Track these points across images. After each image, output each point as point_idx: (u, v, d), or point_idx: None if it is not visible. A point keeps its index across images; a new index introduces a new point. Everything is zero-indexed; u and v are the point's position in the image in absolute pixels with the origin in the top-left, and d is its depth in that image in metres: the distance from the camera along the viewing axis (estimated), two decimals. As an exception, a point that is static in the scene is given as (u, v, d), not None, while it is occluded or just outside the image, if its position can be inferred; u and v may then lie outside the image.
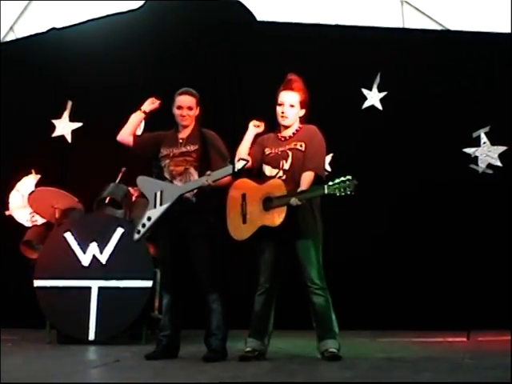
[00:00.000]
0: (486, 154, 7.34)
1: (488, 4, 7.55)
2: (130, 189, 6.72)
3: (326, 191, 4.84)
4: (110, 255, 6.31)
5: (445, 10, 7.77)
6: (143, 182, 5.44)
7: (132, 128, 5.51)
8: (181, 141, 5.36)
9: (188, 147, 5.31)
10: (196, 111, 5.40)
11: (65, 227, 6.48)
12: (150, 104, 5.55)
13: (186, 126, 5.39)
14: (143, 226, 5.26)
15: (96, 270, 6.29)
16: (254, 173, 5.25)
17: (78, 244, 6.37)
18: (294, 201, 4.89)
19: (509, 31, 7.42)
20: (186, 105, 5.36)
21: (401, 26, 7.90)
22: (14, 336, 6.71)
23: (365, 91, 7.62)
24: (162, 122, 5.56)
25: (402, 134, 7.52)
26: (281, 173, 5.12)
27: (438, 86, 7.49)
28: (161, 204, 5.21)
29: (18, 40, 8.58)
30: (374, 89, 7.60)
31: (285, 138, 5.24)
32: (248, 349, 5.13)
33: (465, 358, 5.12)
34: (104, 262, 6.32)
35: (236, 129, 6.60)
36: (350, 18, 7.78)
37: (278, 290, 5.18)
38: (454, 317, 6.98)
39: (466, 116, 7.38)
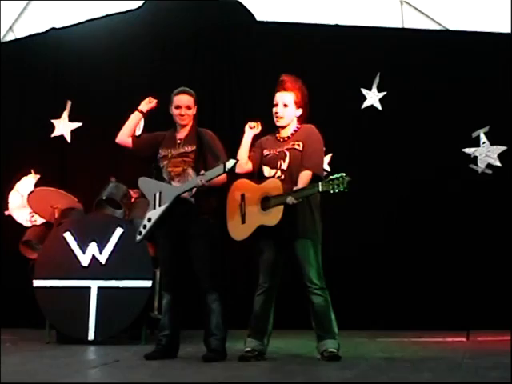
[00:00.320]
0: (486, 154, 7.33)
1: (488, 4, 7.53)
2: (129, 191, 6.72)
3: (320, 189, 4.84)
4: (110, 255, 6.31)
5: (445, 10, 7.75)
6: (144, 183, 5.44)
7: (130, 129, 5.50)
8: (179, 141, 5.35)
9: (186, 148, 5.30)
10: (194, 110, 5.39)
11: (64, 227, 6.47)
12: (147, 104, 5.54)
13: (184, 126, 5.37)
14: (144, 227, 5.28)
15: (95, 270, 6.29)
16: (255, 174, 5.26)
17: (78, 244, 6.37)
18: (290, 199, 4.89)
19: (509, 31, 7.41)
20: (184, 104, 5.35)
21: (400, 26, 7.88)
22: (14, 336, 6.70)
23: (364, 91, 7.61)
24: (162, 122, 5.56)
25: (402, 134, 7.52)
26: (279, 173, 5.12)
27: (438, 85, 7.48)
28: (160, 205, 5.22)
29: (17, 40, 8.57)
30: (374, 89, 7.59)
31: (283, 138, 5.23)
32: (247, 349, 5.12)
33: (464, 357, 5.12)
34: (103, 262, 6.31)
35: (235, 129, 6.61)
36: (350, 17, 7.76)
37: (277, 290, 5.18)
38: (454, 317, 6.99)
39: (465, 116, 7.37)
